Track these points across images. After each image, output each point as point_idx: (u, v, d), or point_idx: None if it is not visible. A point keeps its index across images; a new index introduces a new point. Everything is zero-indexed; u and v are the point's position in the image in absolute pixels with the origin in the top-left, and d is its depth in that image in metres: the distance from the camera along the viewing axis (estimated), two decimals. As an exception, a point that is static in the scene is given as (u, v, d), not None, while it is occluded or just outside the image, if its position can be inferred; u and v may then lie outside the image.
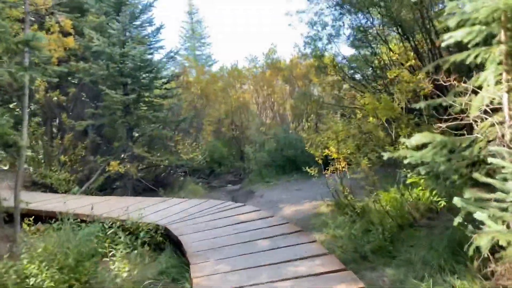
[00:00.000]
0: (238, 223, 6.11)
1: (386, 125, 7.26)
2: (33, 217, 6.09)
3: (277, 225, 5.83)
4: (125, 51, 8.60)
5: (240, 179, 15.03)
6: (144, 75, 9.01)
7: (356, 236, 5.80)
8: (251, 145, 13.55)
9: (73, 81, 10.37)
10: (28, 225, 5.69)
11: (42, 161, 10.18)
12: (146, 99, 9.67)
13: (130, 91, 9.17)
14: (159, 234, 6.09)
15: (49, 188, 9.70)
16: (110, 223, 6.21)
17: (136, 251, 5.29)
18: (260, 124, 14.72)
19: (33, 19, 8.56)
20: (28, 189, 10.22)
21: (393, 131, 7.06)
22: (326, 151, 7.08)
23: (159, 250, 6.11)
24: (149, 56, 9.28)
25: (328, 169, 7.23)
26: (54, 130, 10.72)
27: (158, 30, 9.78)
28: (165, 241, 6.10)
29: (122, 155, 9.47)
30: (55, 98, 10.02)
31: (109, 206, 7.41)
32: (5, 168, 12.20)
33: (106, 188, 9.95)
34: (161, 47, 10.21)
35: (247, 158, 14.72)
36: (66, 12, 9.62)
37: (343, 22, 9.89)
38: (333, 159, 7.12)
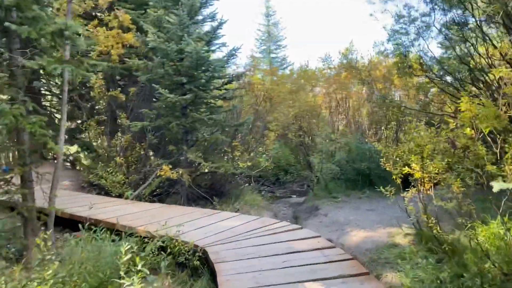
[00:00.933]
0: (290, 253, 4.98)
1: (489, 138, 5.62)
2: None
3: (337, 261, 4.60)
4: (182, 48, 7.91)
5: (306, 189, 13.85)
6: (202, 74, 8.24)
7: (444, 282, 4.43)
8: (318, 153, 12.26)
9: (135, 79, 10.01)
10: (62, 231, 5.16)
11: (100, 161, 9.94)
12: (205, 100, 8.92)
13: (188, 91, 8.48)
14: (197, 257, 5.18)
15: (103, 190, 9.42)
16: (145, 238, 5.50)
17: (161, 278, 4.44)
18: (331, 131, 13.35)
19: (92, 14, 8.38)
20: (84, 190, 10.09)
21: (498, 147, 5.40)
22: (407, 168, 5.64)
23: (196, 275, 5.21)
24: (209, 54, 8.46)
25: (408, 190, 5.80)
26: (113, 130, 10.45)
27: (219, 25, 8.99)
28: (202, 266, 5.17)
29: (177, 160, 8.84)
30: (115, 97, 9.77)
31: (151, 217, 6.70)
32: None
33: (161, 193, 9.41)
34: (223, 44, 9.41)
35: (314, 167, 13.52)
36: (129, 7, 9.31)
37: (433, 15, 8.30)
38: (416, 178, 5.67)
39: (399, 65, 9.35)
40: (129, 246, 4.11)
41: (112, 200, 8.12)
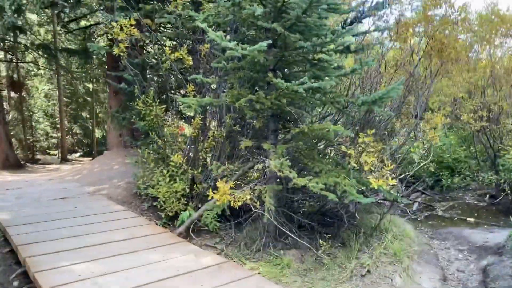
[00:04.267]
0: None
1: None
2: None
3: None
4: None
5: (489, 205, 8.51)
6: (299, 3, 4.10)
7: None
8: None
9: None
10: None
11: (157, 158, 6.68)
12: (305, 55, 4.72)
13: (276, 38, 4.45)
14: None
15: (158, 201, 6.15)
16: None
17: None
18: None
19: None
20: (136, 200, 6.99)
21: None
22: None
23: None
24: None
25: None
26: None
27: None
28: None
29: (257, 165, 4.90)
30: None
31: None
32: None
33: (240, 218, 5.66)
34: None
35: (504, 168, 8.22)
36: None
37: None
38: None
39: None
40: None
41: (137, 235, 4.69)
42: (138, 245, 4.39)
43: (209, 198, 4.65)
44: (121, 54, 5.86)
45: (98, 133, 23.12)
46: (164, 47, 6.90)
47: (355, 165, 4.56)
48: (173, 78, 7.71)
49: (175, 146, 6.65)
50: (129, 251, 4.20)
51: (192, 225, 5.45)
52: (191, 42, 7.86)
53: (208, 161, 6.46)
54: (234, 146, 6.21)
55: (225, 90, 6.07)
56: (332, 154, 5.11)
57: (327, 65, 4.85)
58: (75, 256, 3.92)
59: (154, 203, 6.16)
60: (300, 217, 5.28)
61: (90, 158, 21.57)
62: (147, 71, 8.46)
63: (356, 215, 5.21)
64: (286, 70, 4.97)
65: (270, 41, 4.05)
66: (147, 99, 6.59)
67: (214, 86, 6.68)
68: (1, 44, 13.91)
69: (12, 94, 19.74)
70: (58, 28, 16.72)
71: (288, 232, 4.91)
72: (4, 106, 20.27)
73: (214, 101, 4.80)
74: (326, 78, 4.58)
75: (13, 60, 17.88)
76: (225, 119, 6.16)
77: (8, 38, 13.73)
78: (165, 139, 6.78)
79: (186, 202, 5.91)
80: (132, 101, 6.92)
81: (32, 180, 8.68)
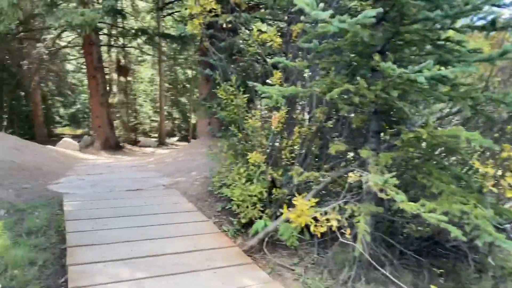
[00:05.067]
0: None
1: None
2: None
3: None
4: None
5: None
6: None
7: None
8: None
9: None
10: None
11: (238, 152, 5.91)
12: (426, 32, 3.44)
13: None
14: None
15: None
16: None
17: None
18: None
19: None
20: (211, 198, 6.29)
21: None
22: None
23: None
24: None
25: None
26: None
27: None
28: None
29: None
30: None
31: None
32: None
33: (326, 237, 4.62)
34: None
35: None
36: None
37: None
38: None
39: None
40: None
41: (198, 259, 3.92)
42: (198, 262, 3.64)
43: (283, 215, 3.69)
44: (196, 32, 5.14)
45: (194, 119, 23.64)
46: (250, 30, 6.10)
47: (493, 189, 3.20)
48: (258, 64, 6.87)
49: (255, 142, 5.81)
50: (186, 269, 3.47)
51: (266, 238, 4.58)
52: (284, 24, 6.96)
53: (293, 160, 5.50)
54: (324, 145, 5.16)
55: (317, 78, 5.02)
56: (459, 170, 3.74)
57: (458, 46, 3.50)
58: (121, 271, 3.30)
59: (229, 206, 5.42)
60: (402, 246, 4.06)
61: (186, 143, 22.17)
62: (234, 56, 7.77)
63: (488, 256, 3.80)
64: (397, 53, 3.72)
65: (380, 10, 2.90)
66: (228, 87, 5.85)
67: (307, 73, 5.68)
68: (107, 29, 14.55)
69: (120, 78, 21.02)
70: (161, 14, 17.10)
71: (386, 264, 3.76)
72: (112, 89, 21.76)
73: (300, 91, 3.78)
74: (457, 64, 3.27)
75: (118, 45, 18.85)
76: (314, 112, 5.13)
77: (111, 23, 14.24)
78: (246, 133, 5.99)
79: (262, 208, 5.05)
80: (217, 89, 6.25)
81: (116, 165, 8.66)
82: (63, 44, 18.58)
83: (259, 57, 6.38)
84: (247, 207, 5.03)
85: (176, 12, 14.74)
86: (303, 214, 3.08)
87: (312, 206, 3.19)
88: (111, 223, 4.44)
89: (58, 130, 25.03)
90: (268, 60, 6.12)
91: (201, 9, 4.91)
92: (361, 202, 3.64)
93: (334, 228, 3.26)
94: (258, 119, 5.70)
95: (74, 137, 21.11)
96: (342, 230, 3.46)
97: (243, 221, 4.97)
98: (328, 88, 3.54)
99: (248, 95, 6.19)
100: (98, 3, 12.51)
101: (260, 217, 4.92)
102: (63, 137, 22.45)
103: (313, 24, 4.13)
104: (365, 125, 4.03)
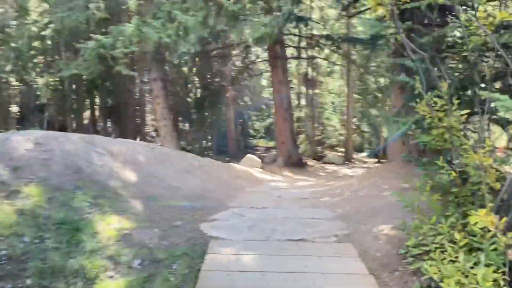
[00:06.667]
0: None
1: None
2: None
3: None
4: None
5: None
6: None
7: None
8: None
9: None
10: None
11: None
12: None
13: None
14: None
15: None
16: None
17: None
18: None
19: None
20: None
21: None
22: None
23: None
24: None
25: None
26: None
27: None
28: None
29: None
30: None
31: None
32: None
33: None
34: None
35: None
36: None
37: None
38: None
39: None
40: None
41: None
42: None
43: None
44: (385, 13, 3.29)
45: (385, 133, 21.14)
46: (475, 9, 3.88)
47: None
48: (486, 63, 4.51)
49: (483, 187, 3.54)
50: None
51: None
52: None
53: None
54: None
55: None
56: None
57: None
58: None
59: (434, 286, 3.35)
60: None
61: (376, 161, 19.87)
62: (443, 54, 5.47)
63: None
64: None
65: None
66: (435, 98, 3.82)
67: None
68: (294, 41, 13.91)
69: (308, 91, 20.43)
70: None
71: None
72: (300, 103, 21.37)
73: None
74: None
75: (305, 57, 18.19)
76: None
77: (298, 34, 13.49)
78: (463, 170, 3.81)
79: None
80: (415, 101, 4.22)
81: (285, 195, 7.42)
82: (253, 59, 19.19)
83: (486, 51, 4.08)
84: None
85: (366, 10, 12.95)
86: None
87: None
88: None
89: (254, 142, 26.48)
90: (503, 53, 3.80)
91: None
92: None
93: None
94: (489, 151, 3.45)
95: (267, 149, 21.69)
96: None
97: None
98: None
99: (468, 110, 3.99)
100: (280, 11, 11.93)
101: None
102: (257, 148, 23.33)
103: None
104: None
